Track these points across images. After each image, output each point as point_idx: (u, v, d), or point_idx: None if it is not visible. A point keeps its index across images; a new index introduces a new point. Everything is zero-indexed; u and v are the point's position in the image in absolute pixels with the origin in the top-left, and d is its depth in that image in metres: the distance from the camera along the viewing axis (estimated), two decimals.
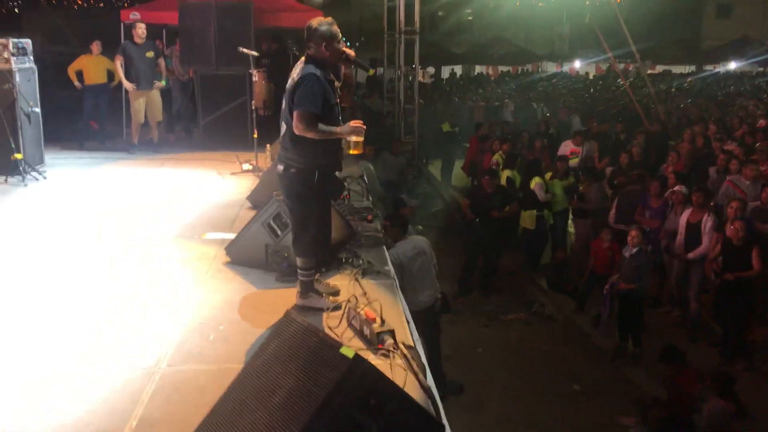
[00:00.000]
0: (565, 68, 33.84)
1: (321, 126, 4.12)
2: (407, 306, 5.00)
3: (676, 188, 8.69)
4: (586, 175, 10.35)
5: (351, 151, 4.31)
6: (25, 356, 3.93)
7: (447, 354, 7.55)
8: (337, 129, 4.22)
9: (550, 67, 34.01)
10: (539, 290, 10.24)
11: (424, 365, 3.86)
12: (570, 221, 10.83)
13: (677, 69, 32.07)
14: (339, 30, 4.23)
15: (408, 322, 4.56)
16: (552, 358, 8.30)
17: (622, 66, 22.96)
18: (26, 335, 4.21)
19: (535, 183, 10.22)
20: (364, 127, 4.25)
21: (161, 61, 10.42)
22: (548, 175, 10.41)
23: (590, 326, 8.84)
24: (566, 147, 12.09)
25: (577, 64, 33.28)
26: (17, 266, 5.39)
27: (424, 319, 6.29)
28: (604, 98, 22.08)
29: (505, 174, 10.93)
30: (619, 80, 22.28)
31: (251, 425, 2.59)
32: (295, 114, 4.10)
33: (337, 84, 4.36)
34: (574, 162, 11.41)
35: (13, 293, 4.87)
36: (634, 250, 7.91)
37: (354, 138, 4.25)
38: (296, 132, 4.12)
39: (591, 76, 31.39)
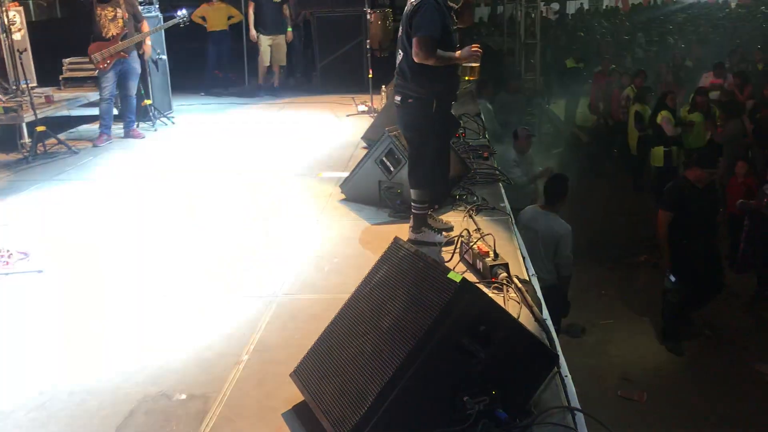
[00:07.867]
0: None
1: (439, 52, 4.02)
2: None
3: None
4: (723, 109, 9.54)
5: (467, 77, 4.18)
6: (155, 288, 4.17)
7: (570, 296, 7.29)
8: (456, 54, 4.11)
9: None
10: None
11: (539, 299, 3.74)
12: None
13: None
14: None
15: (524, 258, 4.42)
16: None
17: None
18: (157, 268, 4.45)
19: (661, 117, 9.57)
20: (481, 51, 4.10)
21: (285, 7, 10.48)
22: (684, 109, 9.69)
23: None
24: (706, 79, 11.20)
25: None
26: (152, 203, 5.71)
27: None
28: (749, 27, 20.10)
29: (635, 108, 10.32)
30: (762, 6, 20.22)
31: (360, 348, 2.59)
32: (414, 40, 4.01)
33: (453, 5, 4.21)
34: (714, 94, 10.53)
35: (149, 229, 5.15)
36: None
37: (472, 63, 4.10)
38: (415, 59, 4.04)
39: (732, 5, 28.65)
